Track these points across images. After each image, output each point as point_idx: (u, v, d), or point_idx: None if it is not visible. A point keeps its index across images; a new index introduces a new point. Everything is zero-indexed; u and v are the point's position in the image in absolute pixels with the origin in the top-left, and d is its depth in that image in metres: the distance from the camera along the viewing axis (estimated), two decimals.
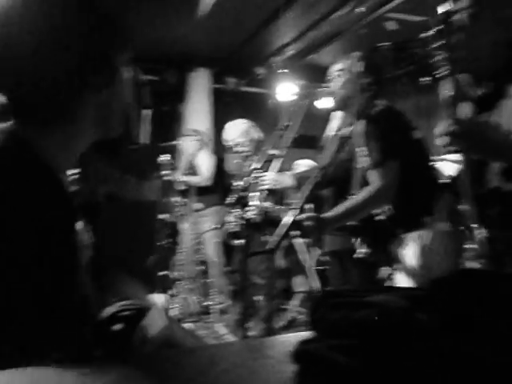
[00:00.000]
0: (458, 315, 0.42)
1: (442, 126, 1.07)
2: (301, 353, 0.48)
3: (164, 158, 4.25)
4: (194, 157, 4.51)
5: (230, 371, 0.63)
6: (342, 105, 2.17)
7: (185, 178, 4.31)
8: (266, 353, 0.69)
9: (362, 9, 1.49)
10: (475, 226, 1.10)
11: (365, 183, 1.93)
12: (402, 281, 1.97)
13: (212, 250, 4.24)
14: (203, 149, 4.60)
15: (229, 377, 0.61)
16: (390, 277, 2.02)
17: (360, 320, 0.44)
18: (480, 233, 1.08)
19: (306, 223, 1.74)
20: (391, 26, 4.75)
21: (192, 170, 4.43)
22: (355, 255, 1.98)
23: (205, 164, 4.39)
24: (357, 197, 1.90)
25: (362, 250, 1.96)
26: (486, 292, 0.42)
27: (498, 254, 1.06)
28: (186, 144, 4.61)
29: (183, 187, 4.34)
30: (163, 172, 4.22)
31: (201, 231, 4.28)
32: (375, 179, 1.85)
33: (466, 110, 1.25)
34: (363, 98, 1.70)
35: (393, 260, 2.03)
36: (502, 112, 1.20)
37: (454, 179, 1.36)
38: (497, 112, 1.21)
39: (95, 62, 0.85)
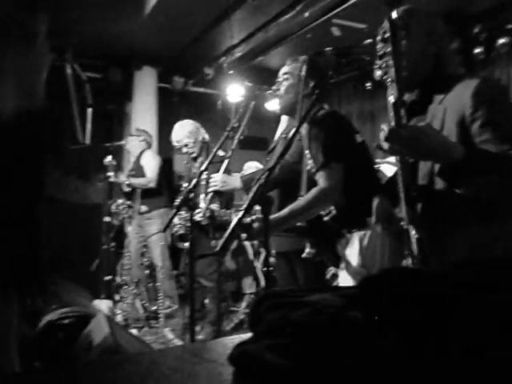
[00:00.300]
0: (383, 312, 0.43)
1: (382, 132, 1.12)
2: (237, 355, 0.48)
3: (108, 159, 4.13)
4: (139, 158, 4.40)
5: (169, 376, 0.62)
6: (287, 108, 2.21)
7: (129, 181, 4.18)
8: (207, 356, 0.69)
9: (370, 40, 1.56)
10: (409, 226, 1.16)
11: (312, 185, 1.96)
12: (346, 280, 2.02)
13: (158, 253, 4.15)
14: (148, 149, 4.48)
15: (168, 382, 0.61)
16: (335, 277, 2.07)
17: (295, 320, 0.45)
18: (413, 233, 1.14)
19: (253, 225, 1.75)
20: (337, 31, 4.90)
21: (137, 172, 4.31)
22: (303, 255, 2.01)
23: (150, 165, 4.29)
24: (302, 199, 1.93)
25: (308, 250, 1.99)
26: (408, 290, 0.44)
27: (425, 254, 1.12)
28: (132, 144, 4.49)
29: (128, 189, 4.21)
30: (107, 174, 4.09)
31: (146, 234, 4.19)
32: (320, 181, 1.89)
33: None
34: (308, 102, 1.74)
35: (339, 260, 2.08)
36: (428, 117, 1.29)
37: (391, 181, 1.42)
38: (425, 117, 1.29)
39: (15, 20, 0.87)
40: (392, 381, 0.42)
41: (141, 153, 4.37)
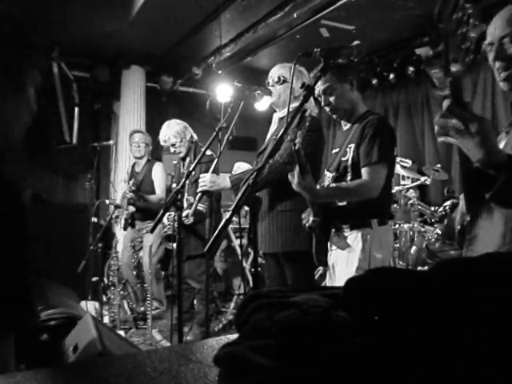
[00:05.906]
0: (368, 313, 0.43)
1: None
2: (222, 356, 0.48)
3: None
4: (150, 170, 4.20)
5: (155, 378, 0.62)
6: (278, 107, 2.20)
7: (144, 197, 4.00)
8: (193, 358, 0.68)
9: (357, 42, 1.54)
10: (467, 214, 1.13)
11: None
12: (338, 279, 2.04)
13: (147, 254, 4.10)
14: (158, 162, 4.27)
15: (154, 383, 0.61)
16: (322, 277, 2.07)
17: (280, 320, 0.45)
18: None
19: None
20: (325, 32, 4.92)
21: (146, 186, 4.12)
22: (307, 224, 2.01)
23: (160, 182, 4.12)
24: (348, 184, 1.97)
25: (312, 219, 1.99)
26: (393, 290, 0.44)
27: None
28: (138, 139, 4.25)
29: (132, 209, 4.06)
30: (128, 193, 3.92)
31: (139, 235, 4.14)
32: (365, 175, 1.93)
33: None
34: (299, 104, 1.75)
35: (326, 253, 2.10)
36: None
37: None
38: None
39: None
40: (377, 381, 0.42)
41: (150, 164, 4.23)
